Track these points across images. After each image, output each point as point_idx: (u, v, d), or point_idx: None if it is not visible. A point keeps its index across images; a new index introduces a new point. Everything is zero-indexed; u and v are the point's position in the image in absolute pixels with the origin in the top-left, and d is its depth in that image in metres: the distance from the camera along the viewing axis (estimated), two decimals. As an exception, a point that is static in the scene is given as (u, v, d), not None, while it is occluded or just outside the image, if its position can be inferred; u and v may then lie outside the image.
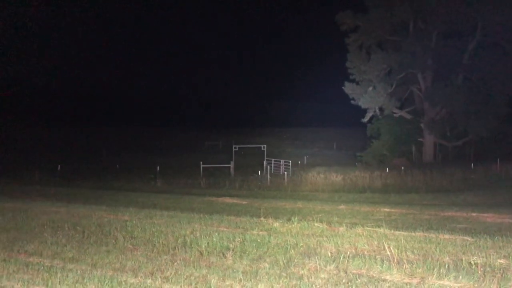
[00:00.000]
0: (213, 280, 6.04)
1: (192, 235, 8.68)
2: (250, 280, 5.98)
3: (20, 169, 33.38)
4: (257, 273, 6.27)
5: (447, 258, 6.71)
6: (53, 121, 67.96)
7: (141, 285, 5.93)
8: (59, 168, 33.03)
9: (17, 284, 6.06)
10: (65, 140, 58.69)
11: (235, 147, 38.25)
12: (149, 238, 8.74)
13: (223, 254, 7.30)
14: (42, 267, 6.88)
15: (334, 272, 6.25)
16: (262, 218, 10.57)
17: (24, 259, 7.52)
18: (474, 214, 13.26)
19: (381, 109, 39.01)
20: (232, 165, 34.58)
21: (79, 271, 6.60)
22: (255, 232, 9.05)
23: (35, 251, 8.06)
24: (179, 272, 6.40)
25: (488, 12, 34.61)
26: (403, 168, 29.72)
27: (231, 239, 8.25)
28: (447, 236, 8.34)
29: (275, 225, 9.70)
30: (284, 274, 6.18)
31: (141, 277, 6.31)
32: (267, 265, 6.66)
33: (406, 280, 5.85)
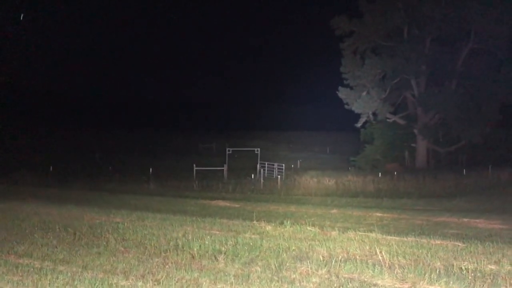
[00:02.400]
0: (204, 283, 6.03)
1: (184, 238, 8.66)
2: (242, 284, 5.97)
3: (12, 170, 33.13)
4: (249, 276, 6.27)
5: (438, 263, 6.74)
6: (46, 122, 67.57)
7: (132, 288, 5.90)
8: (51, 169, 32.82)
9: (7, 286, 6.01)
10: (57, 141, 58.36)
11: (228, 150, 38.22)
12: (140, 241, 8.71)
13: (215, 257, 7.29)
14: (32, 269, 6.83)
15: (326, 276, 6.25)
16: (254, 222, 10.57)
17: (14, 260, 7.46)
18: (465, 220, 13.33)
19: (374, 114, 39.16)
20: (225, 168, 34.54)
21: (69, 273, 6.56)
22: (247, 235, 9.04)
23: (25, 252, 8.00)
24: (171, 275, 6.38)
25: (481, 20, 34.90)
26: (395, 173, 29.81)
27: (223, 242, 8.24)
28: (438, 242, 8.37)
29: (267, 228, 9.69)
30: (276, 278, 6.17)
31: (132, 279, 6.28)
32: (259, 269, 6.65)
33: (398, 285, 5.87)
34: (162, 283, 6.07)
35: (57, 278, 6.33)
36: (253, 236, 8.97)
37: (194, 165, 33.60)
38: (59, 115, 73.86)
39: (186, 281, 6.12)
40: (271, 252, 7.49)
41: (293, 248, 7.75)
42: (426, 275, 6.09)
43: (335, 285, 5.88)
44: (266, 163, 36.54)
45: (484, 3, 34.59)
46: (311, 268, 6.53)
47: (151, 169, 32.10)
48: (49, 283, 6.11)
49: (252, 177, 30.64)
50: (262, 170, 34.28)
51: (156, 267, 6.85)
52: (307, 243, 8.15)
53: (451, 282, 5.84)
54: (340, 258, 6.99)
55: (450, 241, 8.47)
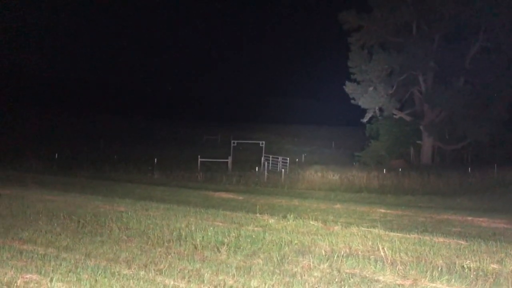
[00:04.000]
0: (206, 274, 6.05)
1: (187, 229, 8.69)
2: (243, 276, 5.99)
3: (17, 157, 33.32)
4: (250, 269, 6.28)
5: (441, 261, 6.73)
6: (52, 109, 67.79)
7: (134, 277, 5.93)
8: (56, 156, 32.98)
9: (10, 271, 6.05)
10: (63, 129, 58.60)
11: (233, 142, 38.23)
12: (144, 230, 8.74)
13: (218, 249, 7.31)
14: (35, 255, 6.87)
15: (328, 271, 6.26)
16: (257, 214, 10.59)
17: (18, 246, 7.52)
18: (469, 218, 13.29)
19: (381, 109, 39.03)
20: (230, 160, 34.58)
21: (72, 260, 6.60)
22: (250, 228, 9.06)
23: (29, 238, 8.06)
24: (173, 265, 6.41)
25: (491, 17, 34.60)
26: (400, 169, 29.74)
27: (226, 234, 8.26)
28: (441, 239, 8.36)
29: (270, 221, 9.71)
30: (277, 271, 6.19)
31: (134, 268, 6.31)
32: (261, 261, 6.66)
33: (399, 282, 5.86)
34: (164, 273, 6.09)
35: (60, 265, 6.37)
36: (256, 228, 8.99)
37: (199, 156, 33.66)
38: (65, 103, 74.08)
39: (188, 272, 6.15)
40: (273, 245, 7.50)
41: (296, 242, 7.76)
42: (428, 272, 6.08)
43: (336, 280, 5.89)
44: (271, 156, 36.54)
45: (493, 1, 34.25)
46: (313, 262, 6.54)
47: (155, 159, 32.20)
48: (52, 270, 6.15)
49: (256, 170, 30.67)
50: (266, 163, 34.29)
51: (159, 257, 6.88)
52: (310, 237, 8.16)
53: (453, 280, 5.83)
54: (342, 253, 7.00)
55: (453, 239, 8.45)
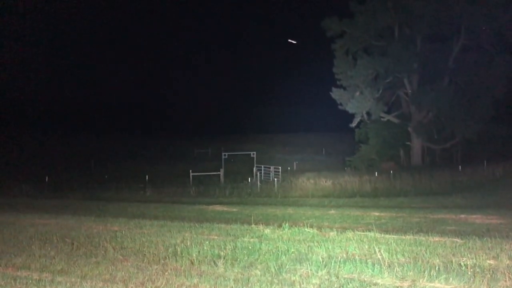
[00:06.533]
0: (204, 288, 6.01)
1: (182, 244, 8.63)
2: (242, 288, 5.96)
3: (7, 181, 32.93)
4: (248, 280, 6.26)
5: (438, 260, 6.76)
6: (40, 132, 67.25)
7: (132, 296, 5.87)
8: (47, 179, 32.67)
9: (5, 299, 5.97)
10: (52, 151, 58.09)
11: (224, 155, 38.19)
12: (139, 248, 8.67)
13: (214, 263, 7.27)
14: (30, 281, 6.78)
15: (326, 277, 6.25)
16: (253, 225, 10.56)
17: (11, 273, 7.41)
18: (462, 216, 13.38)
19: (368, 113, 39.28)
20: (221, 172, 34.51)
21: (68, 284, 6.52)
22: (246, 239, 9.03)
23: (23, 264, 7.95)
24: (170, 282, 6.36)
25: (471, 16, 35.13)
26: (391, 172, 29.89)
27: (222, 247, 8.23)
28: (437, 239, 8.40)
29: (266, 231, 9.69)
30: (275, 281, 6.16)
31: (131, 287, 6.25)
32: (258, 272, 6.64)
33: (398, 284, 5.87)
34: (162, 290, 6.05)
35: (56, 289, 6.29)
36: (251, 239, 8.96)
37: (191, 171, 33.55)
38: (54, 124, 73.56)
39: (186, 287, 6.10)
40: (270, 255, 7.48)
41: (292, 250, 7.74)
42: (426, 272, 6.10)
43: (335, 285, 5.88)
44: (263, 166, 36.52)
45: (471, 0, 34.83)
46: (310, 270, 6.53)
47: (147, 176, 32.02)
48: (48, 294, 6.08)
49: (249, 180, 30.62)
50: (258, 173, 34.27)
51: (156, 274, 6.82)
52: (306, 244, 8.15)
53: (451, 279, 5.85)
54: (339, 258, 6.99)
55: (448, 237, 8.50)
